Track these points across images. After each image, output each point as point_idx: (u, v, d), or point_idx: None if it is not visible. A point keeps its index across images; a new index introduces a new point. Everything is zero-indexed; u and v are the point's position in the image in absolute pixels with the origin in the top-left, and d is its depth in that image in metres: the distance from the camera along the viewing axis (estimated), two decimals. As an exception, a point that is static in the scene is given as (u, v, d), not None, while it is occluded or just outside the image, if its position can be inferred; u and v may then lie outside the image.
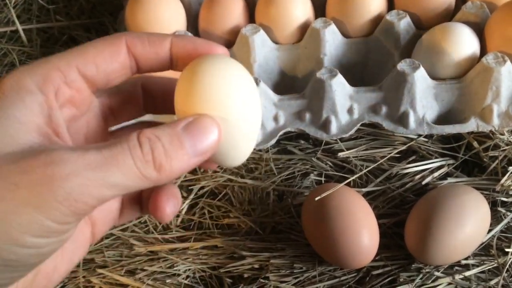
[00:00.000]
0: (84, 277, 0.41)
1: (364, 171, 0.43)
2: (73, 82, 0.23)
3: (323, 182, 0.44)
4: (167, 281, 0.41)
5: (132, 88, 0.28)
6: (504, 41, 0.40)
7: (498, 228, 0.39)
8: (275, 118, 0.42)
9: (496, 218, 0.40)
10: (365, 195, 0.43)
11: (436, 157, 0.44)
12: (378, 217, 0.39)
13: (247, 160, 0.46)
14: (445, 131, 0.40)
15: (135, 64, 0.24)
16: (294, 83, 0.46)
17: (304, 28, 0.45)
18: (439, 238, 0.35)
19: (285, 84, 0.46)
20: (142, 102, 0.28)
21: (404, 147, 0.44)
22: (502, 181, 0.41)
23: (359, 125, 0.42)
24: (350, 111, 0.42)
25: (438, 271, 0.38)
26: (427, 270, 0.38)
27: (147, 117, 0.29)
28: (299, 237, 0.41)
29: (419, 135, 0.44)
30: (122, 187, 0.20)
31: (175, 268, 0.41)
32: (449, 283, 0.37)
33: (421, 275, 0.37)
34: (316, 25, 0.43)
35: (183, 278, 0.41)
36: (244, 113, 0.23)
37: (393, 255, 0.39)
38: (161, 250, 0.42)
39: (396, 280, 0.38)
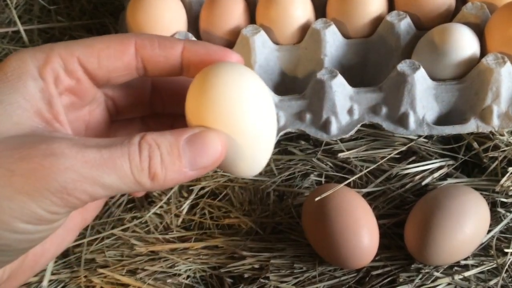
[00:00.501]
0: (85, 276, 0.42)
1: (364, 171, 0.43)
2: (73, 72, 0.23)
3: (323, 182, 0.44)
4: (168, 281, 0.41)
5: (141, 84, 0.27)
6: (504, 42, 0.40)
7: (498, 228, 0.39)
8: (276, 119, 0.42)
9: (495, 218, 0.40)
10: (365, 195, 0.43)
11: (436, 158, 0.44)
12: (378, 217, 0.39)
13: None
14: (445, 132, 0.41)
15: (143, 66, 0.24)
16: (294, 84, 0.46)
17: (305, 28, 0.45)
18: (438, 238, 0.36)
19: (286, 84, 0.47)
20: (149, 99, 0.27)
21: (404, 148, 0.44)
22: (502, 181, 0.41)
23: (359, 125, 0.42)
24: (350, 111, 0.42)
25: (438, 271, 0.38)
26: (426, 271, 0.38)
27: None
28: (299, 237, 0.41)
29: (419, 136, 0.44)
30: (115, 189, 0.20)
31: (175, 268, 0.42)
32: (449, 284, 0.37)
33: (420, 276, 0.38)
34: (316, 26, 0.44)
35: (183, 278, 0.41)
36: (257, 128, 0.22)
37: (393, 256, 0.39)
38: (161, 250, 0.42)
39: (395, 280, 0.38)
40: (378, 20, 0.44)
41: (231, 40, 0.46)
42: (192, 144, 0.21)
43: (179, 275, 0.41)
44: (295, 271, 0.40)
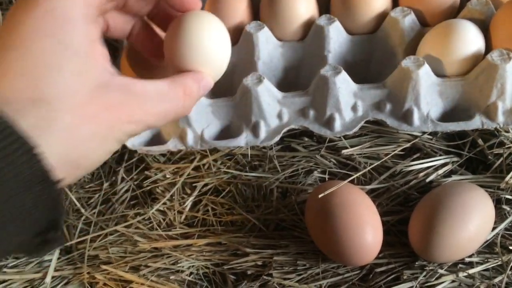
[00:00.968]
0: (88, 273, 0.42)
1: (368, 168, 0.43)
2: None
3: (326, 179, 0.44)
4: (171, 277, 0.41)
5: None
6: (509, 38, 0.40)
7: (503, 226, 0.39)
8: (279, 116, 0.42)
9: (500, 216, 0.40)
10: (369, 192, 0.42)
11: (440, 155, 0.44)
12: (382, 214, 0.39)
13: (251, 157, 0.46)
14: (449, 129, 0.40)
15: None
16: (298, 80, 0.46)
17: (309, 25, 0.45)
18: (443, 235, 0.35)
19: (289, 81, 0.46)
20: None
21: (408, 145, 0.44)
22: (507, 178, 0.40)
23: (363, 122, 0.41)
24: (354, 108, 0.42)
25: (442, 268, 0.38)
26: (430, 268, 0.38)
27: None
28: (303, 234, 0.41)
29: (424, 133, 0.44)
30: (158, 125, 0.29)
31: (178, 265, 0.42)
32: (453, 281, 0.37)
33: (424, 273, 0.37)
34: (320, 22, 0.43)
35: (186, 275, 0.41)
36: (218, 62, 0.30)
37: (397, 253, 0.39)
38: (164, 247, 0.42)
39: (399, 277, 0.38)
40: (382, 16, 0.44)
41: (235, 37, 0.46)
42: (202, 88, 0.30)
43: (182, 271, 0.41)
44: (298, 268, 0.40)
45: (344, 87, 0.40)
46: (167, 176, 0.46)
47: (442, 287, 0.37)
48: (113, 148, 0.26)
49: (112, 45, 0.57)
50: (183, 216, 0.45)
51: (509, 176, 0.41)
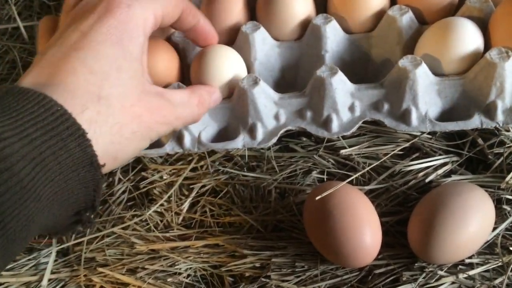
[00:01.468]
0: (85, 275, 0.41)
1: (367, 168, 0.43)
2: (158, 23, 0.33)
3: (325, 180, 0.44)
4: (168, 280, 0.41)
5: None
6: (509, 36, 0.39)
7: (503, 226, 0.39)
8: (276, 117, 0.42)
9: (501, 216, 0.39)
10: (368, 193, 0.42)
11: (440, 154, 0.43)
12: (381, 215, 0.39)
13: (249, 157, 0.46)
14: (448, 128, 0.40)
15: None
16: (295, 81, 0.46)
17: (305, 24, 0.44)
18: (442, 236, 0.35)
19: (287, 81, 0.46)
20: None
21: (407, 144, 0.44)
22: (507, 178, 0.40)
23: (360, 122, 0.41)
24: (351, 108, 0.41)
25: (442, 270, 0.37)
26: (430, 269, 0.37)
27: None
28: (301, 236, 0.41)
29: (423, 132, 0.43)
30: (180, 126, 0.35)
31: (176, 267, 0.41)
32: (453, 282, 0.37)
33: (424, 274, 0.37)
34: (317, 22, 0.43)
35: (184, 277, 0.41)
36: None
37: (396, 254, 0.39)
38: (162, 249, 0.42)
39: (399, 279, 0.38)
40: (380, 15, 0.43)
41: (231, 37, 0.45)
42: (212, 99, 0.39)
43: (180, 274, 0.41)
44: (296, 269, 0.39)
45: (341, 88, 0.40)
46: (165, 177, 0.46)
47: (441, 288, 0.37)
48: (145, 145, 0.31)
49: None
50: (181, 218, 0.44)
51: (509, 176, 0.40)
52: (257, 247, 0.41)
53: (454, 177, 0.42)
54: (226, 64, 0.40)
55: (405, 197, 0.42)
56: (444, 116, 0.41)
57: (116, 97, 0.28)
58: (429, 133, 0.44)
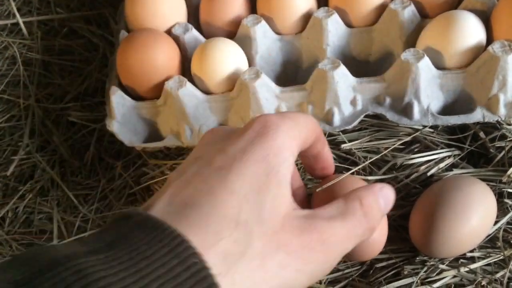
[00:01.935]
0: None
1: (368, 162, 0.43)
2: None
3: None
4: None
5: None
6: (511, 29, 0.39)
7: (505, 220, 0.39)
8: (277, 111, 0.42)
9: (502, 209, 0.39)
10: (369, 187, 0.42)
11: (441, 148, 0.43)
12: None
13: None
14: (450, 122, 0.40)
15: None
16: (297, 74, 0.46)
17: (307, 18, 0.44)
18: (444, 230, 0.35)
19: (288, 75, 0.46)
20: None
21: (408, 138, 0.44)
22: (509, 172, 0.40)
23: (362, 116, 0.41)
24: (353, 102, 0.41)
25: (443, 263, 0.37)
26: (431, 263, 0.37)
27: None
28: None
29: (424, 126, 0.43)
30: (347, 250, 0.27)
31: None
32: (454, 276, 0.37)
33: (425, 268, 0.37)
34: (318, 15, 0.43)
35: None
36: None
37: (397, 248, 0.39)
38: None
39: (400, 273, 0.37)
40: (382, 8, 0.43)
41: (232, 31, 0.45)
42: (384, 200, 0.29)
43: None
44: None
45: (343, 81, 0.40)
46: (165, 172, 0.46)
47: (443, 282, 0.37)
48: (306, 284, 0.25)
49: (109, 40, 0.57)
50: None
51: (511, 169, 0.40)
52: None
53: (456, 171, 0.42)
54: (227, 58, 0.39)
55: (407, 191, 0.42)
56: (446, 109, 0.41)
57: (256, 222, 0.23)
58: (430, 127, 0.44)
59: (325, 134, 0.45)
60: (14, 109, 0.53)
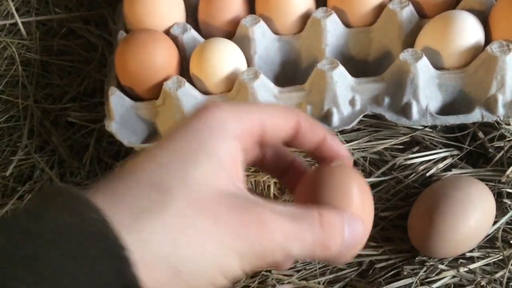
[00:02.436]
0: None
1: (366, 162, 0.43)
2: (257, 137, 0.26)
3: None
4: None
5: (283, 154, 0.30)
6: (510, 29, 0.39)
7: (504, 220, 0.39)
8: (276, 110, 0.42)
9: (501, 209, 0.39)
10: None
11: (440, 148, 0.43)
12: (382, 210, 0.39)
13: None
14: (449, 122, 0.40)
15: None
16: (296, 75, 0.46)
17: (305, 18, 0.44)
18: (443, 230, 0.35)
19: (287, 75, 0.46)
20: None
21: (407, 138, 0.44)
22: (508, 172, 0.40)
23: (361, 116, 0.41)
24: (352, 102, 0.41)
25: (442, 264, 0.37)
26: (431, 263, 0.37)
27: None
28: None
29: (424, 126, 0.43)
30: (293, 257, 0.24)
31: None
32: (454, 276, 0.37)
33: (425, 268, 0.37)
34: (316, 15, 0.43)
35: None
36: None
37: (397, 248, 0.39)
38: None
39: (399, 273, 0.37)
40: (380, 8, 0.43)
41: (231, 31, 0.45)
42: (350, 229, 0.25)
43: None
44: (297, 264, 0.39)
45: (342, 81, 0.40)
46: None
47: (442, 282, 0.37)
48: (233, 265, 0.21)
49: (108, 40, 0.57)
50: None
51: (510, 169, 0.40)
52: (257, 242, 0.41)
53: (455, 171, 0.42)
54: (226, 58, 0.39)
55: (406, 192, 0.42)
56: (445, 109, 0.41)
57: (179, 186, 0.22)
58: (429, 127, 0.44)
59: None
60: (12, 109, 0.53)
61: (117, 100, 0.44)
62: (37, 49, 0.57)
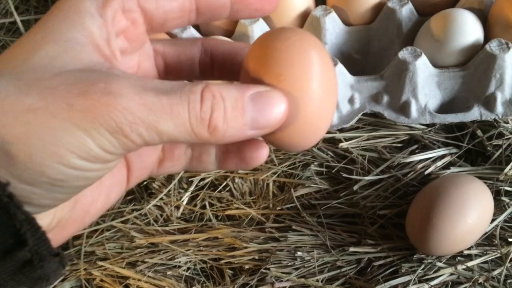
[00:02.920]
0: (85, 269, 0.41)
1: (365, 160, 0.43)
2: (131, 12, 0.22)
3: (324, 173, 0.44)
4: (168, 273, 0.41)
5: (190, 44, 0.26)
6: (509, 27, 0.39)
7: (502, 217, 0.39)
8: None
9: (499, 207, 0.39)
10: (367, 185, 0.42)
11: (439, 146, 0.43)
12: (380, 208, 0.39)
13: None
14: (447, 120, 0.40)
15: (195, 9, 0.23)
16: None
17: (305, 16, 0.44)
18: (441, 228, 0.35)
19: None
20: (199, 62, 0.27)
21: (406, 136, 0.44)
22: (506, 170, 0.40)
23: (360, 114, 0.41)
24: (351, 100, 0.41)
25: (440, 261, 0.37)
26: (429, 261, 0.37)
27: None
28: (300, 228, 0.41)
29: (424, 125, 0.43)
30: (170, 137, 0.20)
31: (176, 260, 0.41)
32: (451, 274, 0.37)
33: (423, 266, 0.37)
34: (316, 13, 0.43)
35: (184, 270, 0.41)
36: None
37: (395, 246, 0.39)
38: (161, 242, 0.42)
39: (397, 271, 0.38)
40: (379, 7, 0.43)
41: (230, 29, 0.45)
42: (257, 102, 0.21)
43: (179, 267, 0.41)
44: (296, 262, 0.39)
45: (341, 80, 0.40)
46: (164, 170, 0.46)
47: (440, 280, 0.37)
48: (72, 137, 0.19)
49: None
50: (180, 211, 0.44)
51: (508, 167, 0.40)
52: (256, 240, 0.41)
53: (453, 169, 0.42)
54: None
55: (404, 190, 0.42)
56: (444, 108, 0.41)
57: (10, 71, 0.19)
58: (428, 125, 0.44)
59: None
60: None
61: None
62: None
